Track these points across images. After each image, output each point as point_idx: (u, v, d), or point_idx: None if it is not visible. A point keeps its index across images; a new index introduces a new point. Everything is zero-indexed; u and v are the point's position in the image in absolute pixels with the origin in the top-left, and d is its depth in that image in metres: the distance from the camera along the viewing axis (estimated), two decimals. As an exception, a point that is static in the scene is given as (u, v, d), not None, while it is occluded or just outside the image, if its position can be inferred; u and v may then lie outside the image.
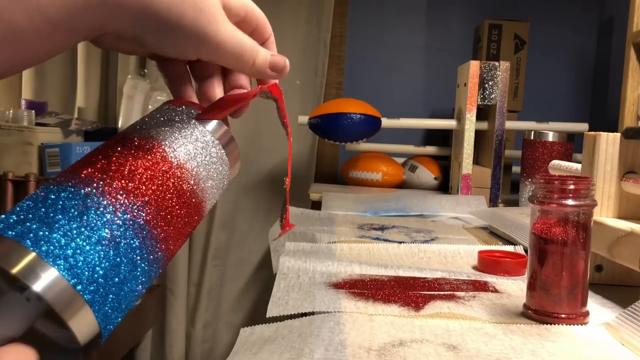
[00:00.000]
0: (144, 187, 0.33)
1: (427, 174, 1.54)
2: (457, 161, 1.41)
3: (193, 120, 0.38)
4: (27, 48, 0.30)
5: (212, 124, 0.39)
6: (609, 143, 0.67)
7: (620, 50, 1.58)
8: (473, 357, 0.46)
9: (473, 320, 0.55)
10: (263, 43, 0.43)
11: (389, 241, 0.88)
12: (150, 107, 1.67)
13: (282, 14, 1.76)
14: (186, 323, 1.80)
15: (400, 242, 0.86)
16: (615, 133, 0.68)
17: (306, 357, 0.45)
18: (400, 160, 1.63)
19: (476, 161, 1.44)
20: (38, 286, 0.27)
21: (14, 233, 0.28)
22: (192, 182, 0.36)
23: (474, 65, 1.33)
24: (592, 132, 0.69)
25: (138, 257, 0.31)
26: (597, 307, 0.61)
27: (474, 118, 1.34)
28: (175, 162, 0.35)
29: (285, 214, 0.48)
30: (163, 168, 0.34)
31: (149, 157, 0.34)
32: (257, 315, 1.82)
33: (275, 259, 0.81)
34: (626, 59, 1.20)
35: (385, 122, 1.46)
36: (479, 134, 1.42)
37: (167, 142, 0.36)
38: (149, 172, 0.33)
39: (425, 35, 1.88)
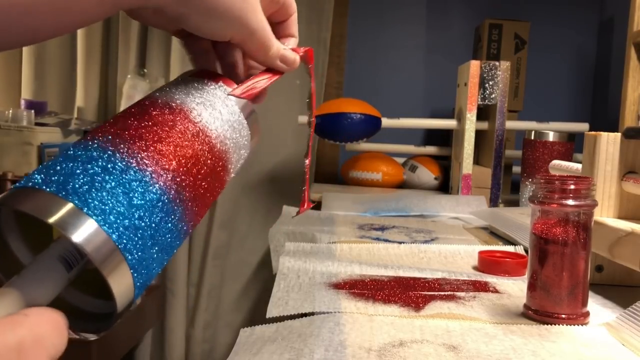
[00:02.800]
0: (176, 152, 0.33)
1: (427, 174, 1.54)
2: (457, 161, 1.41)
3: (221, 91, 0.39)
4: (72, 12, 0.30)
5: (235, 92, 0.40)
6: (609, 143, 0.67)
7: (621, 50, 1.57)
8: (473, 358, 0.46)
9: (473, 320, 0.55)
10: (285, 21, 0.45)
11: (389, 241, 0.88)
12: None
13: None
14: (186, 323, 1.80)
15: (400, 243, 0.86)
16: (615, 133, 0.68)
17: (306, 357, 0.45)
18: (400, 160, 1.63)
19: (476, 161, 1.44)
20: (78, 237, 0.26)
21: (54, 188, 0.27)
22: (219, 147, 0.37)
23: (474, 65, 1.33)
24: (593, 132, 0.69)
25: (169, 223, 0.31)
26: (598, 308, 0.61)
27: (474, 118, 1.34)
28: (205, 128, 0.36)
29: (304, 193, 0.49)
30: (193, 133, 0.35)
31: (180, 123, 0.35)
32: (257, 315, 1.81)
33: (275, 259, 0.81)
34: (626, 59, 1.20)
35: (385, 122, 1.46)
36: (479, 134, 1.42)
37: (197, 109, 0.37)
38: (181, 137, 0.34)
39: (425, 35, 1.88)
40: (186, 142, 0.34)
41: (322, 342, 0.48)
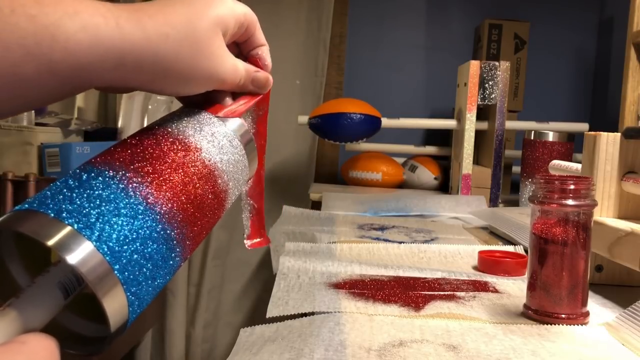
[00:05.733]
0: (174, 178, 0.33)
1: (427, 174, 1.54)
2: (457, 161, 1.41)
3: (214, 119, 0.40)
4: (29, 96, 0.30)
5: (235, 123, 0.41)
6: (609, 143, 0.67)
7: (620, 50, 1.57)
8: (473, 358, 0.46)
9: (473, 320, 0.55)
10: (252, 36, 0.44)
11: (389, 241, 0.88)
12: (150, 107, 1.67)
13: (282, 13, 1.76)
14: (186, 323, 1.80)
15: (400, 242, 0.86)
16: (615, 133, 0.68)
17: (306, 357, 0.45)
18: (400, 160, 1.63)
19: (476, 161, 1.44)
20: (73, 258, 0.26)
21: (50, 210, 0.28)
22: (216, 174, 0.37)
23: (474, 65, 1.33)
24: (592, 132, 0.69)
25: (165, 248, 0.32)
26: (597, 307, 0.61)
27: (474, 118, 1.34)
28: (202, 154, 0.36)
29: (252, 222, 0.50)
30: (191, 160, 0.35)
31: (179, 149, 0.35)
32: (257, 315, 1.81)
33: (275, 259, 0.81)
34: (626, 59, 1.20)
35: (385, 122, 1.46)
36: (479, 134, 1.42)
37: (194, 136, 0.37)
38: (178, 163, 0.34)
39: (425, 35, 1.88)
40: (186, 172, 0.34)
41: (322, 342, 0.48)
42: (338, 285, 0.64)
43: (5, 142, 1.43)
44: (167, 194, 0.32)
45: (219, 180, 0.37)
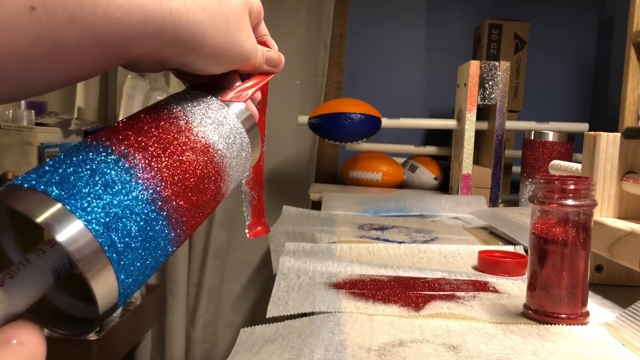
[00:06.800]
0: (169, 159, 0.33)
1: (427, 174, 1.54)
2: (457, 161, 1.41)
3: (218, 101, 0.39)
4: (70, 67, 0.29)
5: (238, 107, 0.40)
6: (609, 143, 0.67)
7: (620, 50, 1.57)
8: (473, 357, 0.46)
9: (473, 320, 0.55)
10: (259, 23, 0.45)
11: (389, 241, 0.88)
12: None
13: (282, 13, 1.76)
14: (186, 323, 1.80)
15: (400, 242, 0.86)
16: (615, 133, 0.68)
17: (306, 357, 0.45)
18: (400, 160, 1.63)
19: (476, 161, 1.44)
20: (62, 236, 0.26)
21: (42, 187, 0.27)
22: (215, 158, 0.36)
23: (474, 65, 1.33)
24: (592, 132, 0.69)
25: (158, 229, 0.31)
26: (597, 307, 0.61)
27: (474, 118, 1.34)
28: (199, 136, 0.36)
29: (253, 211, 0.48)
30: (190, 140, 0.35)
31: (176, 130, 0.34)
32: (257, 315, 1.82)
33: (275, 259, 0.81)
34: (626, 59, 1.20)
35: (385, 122, 1.46)
36: (479, 134, 1.42)
37: (193, 117, 0.36)
38: (175, 143, 0.34)
39: (425, 35, 1.88)
40: (184, 153, 0.34)
41: (322, 342, 0.48)
42: (338, 285, 0.64)
43: (5, 142, 1.43)
44: (163, 173, 0.32)
45: (219, 163, 0.37)
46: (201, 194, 0.35)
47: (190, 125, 0.36)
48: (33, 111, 1.52)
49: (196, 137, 0.35)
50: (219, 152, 0.37)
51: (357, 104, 1.44)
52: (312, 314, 0.56)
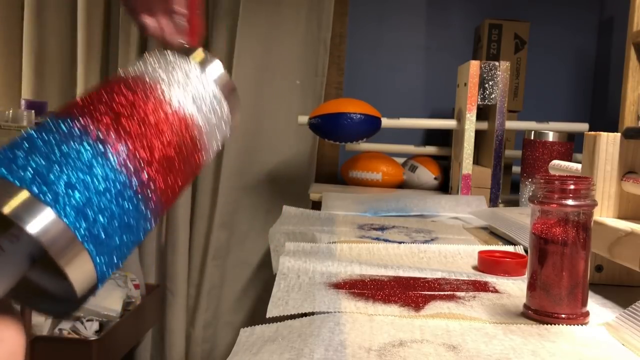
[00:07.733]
0: (139, 128, 0.31)
1: (427, 174, 1.54)
2: (457, 161, 1.41)
3: (192, 65, 0.37)
4: None
5: (215, 71, 0.38)
6: (609, 143, 0.67)
7: (620, 50, 1.57)
8: (473, 357, 0.46)
9: (473, 320, 0.55)
10: None
11: (389, 241, 0.88)
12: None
13: (282, 13, 1.76)
14: (186, 323, 1.80)
15: (400, 242, 0.86)
16: (615, 133, 0.68)
17: (306, 357, 0.45)
18: (400, 160, 1.63)
19: (476, 161, 1.44)
20: (33, 227, 0.24)
21: (5, 172, 0.25)
22: (190, 125, 0.34)
23: (474, 65, 1.33)
24: (592, 132, 0.69)
25: (133, 203, 0.29)
26: (597, 307, 0.61)
27: (474, 118, 1.34)
28: (178, 106, 0.34)
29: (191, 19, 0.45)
30: (161, 110, 0.33)
31: (144, 97, 0.32)
32: (257, 315, 1.82)
33: (275, 259, 0.81)
34: (626, 59, 1.20)
35: (385, 122, 1.46)
36: (479, 134, 1.42)
37: (166, 84, 0.34)
38: (143, 112, 0.32)
39: (425, 35, 1.88)
40: (152, 120, 0.32)
41: (322, 342, 0.48)
42: (338, 285, 0.64)
43: (5, 142, 1.43)
44: (132, 144, 0.30)
45: (195, 132, 0.34)
46: (176, 163, 0.33)
47: (160, 91, 0.33)
48: (33, 111, 1.52)
49: (169, 105, 0.33)
50: (195, 118, 0.35)
51: (357, 104, 1.44)
52: (312, 314, 0.56)
